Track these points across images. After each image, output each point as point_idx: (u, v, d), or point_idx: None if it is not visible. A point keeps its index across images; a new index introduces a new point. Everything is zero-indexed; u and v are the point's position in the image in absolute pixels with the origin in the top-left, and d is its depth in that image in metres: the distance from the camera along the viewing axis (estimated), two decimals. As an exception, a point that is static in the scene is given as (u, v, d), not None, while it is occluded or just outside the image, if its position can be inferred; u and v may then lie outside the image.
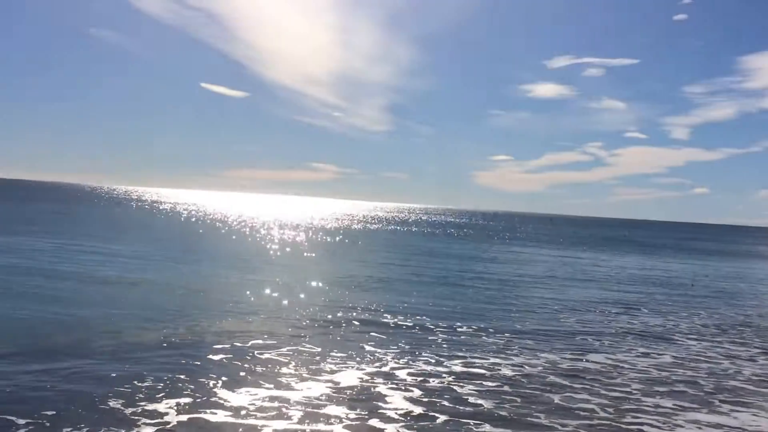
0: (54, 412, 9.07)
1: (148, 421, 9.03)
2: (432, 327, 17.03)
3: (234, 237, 45.09)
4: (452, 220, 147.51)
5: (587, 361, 14.52)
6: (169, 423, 8.99)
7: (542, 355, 14.82)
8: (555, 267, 38.95)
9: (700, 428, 10.49)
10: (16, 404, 9.28)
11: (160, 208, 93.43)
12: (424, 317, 18.27)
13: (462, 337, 16.17)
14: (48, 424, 8.68)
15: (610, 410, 11.02)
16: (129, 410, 9.37)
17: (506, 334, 16.81)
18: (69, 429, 8.55)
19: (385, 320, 17.50)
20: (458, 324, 17.66)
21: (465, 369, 13.09)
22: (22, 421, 8.71)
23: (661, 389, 12.58)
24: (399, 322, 17.30)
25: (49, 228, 41.41)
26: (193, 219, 68.30)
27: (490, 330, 17.22)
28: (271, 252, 35.99)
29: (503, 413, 10.45)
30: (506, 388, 11.93)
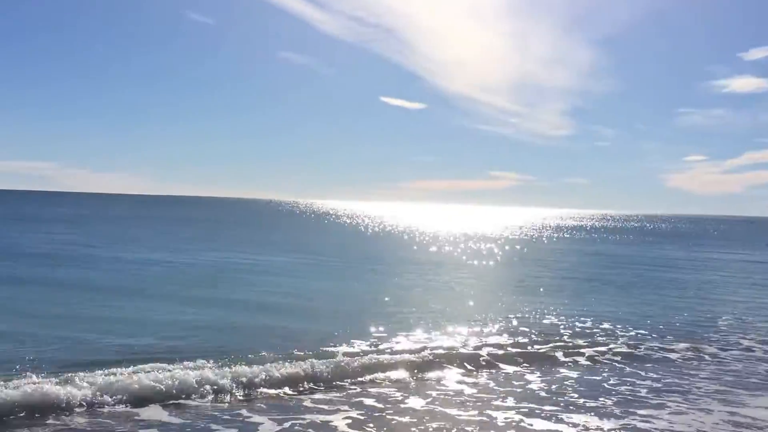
0: (185, 396, 10.06)
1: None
2: (570, 331, 16.25)
3: (414, 246, 45.84)
4: (639, 225, 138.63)
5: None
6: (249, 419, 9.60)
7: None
8: (748, 271, 35.48)
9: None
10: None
11: (348, 221, 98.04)
12: (576, 320, 17.52)
13: (594, 338, 15.32)
14: (174, 402, 9.78)
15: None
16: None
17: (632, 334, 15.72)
18: (193, 410, 9.46)
19: (523, 322, 16.94)
20: (603, 327, 16.76)
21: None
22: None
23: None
24: (542, 323, 16.73)
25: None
26: (377, 230, 70.86)
27: (619, 332, 16.34)
28: (445, 259, 36.16)
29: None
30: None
